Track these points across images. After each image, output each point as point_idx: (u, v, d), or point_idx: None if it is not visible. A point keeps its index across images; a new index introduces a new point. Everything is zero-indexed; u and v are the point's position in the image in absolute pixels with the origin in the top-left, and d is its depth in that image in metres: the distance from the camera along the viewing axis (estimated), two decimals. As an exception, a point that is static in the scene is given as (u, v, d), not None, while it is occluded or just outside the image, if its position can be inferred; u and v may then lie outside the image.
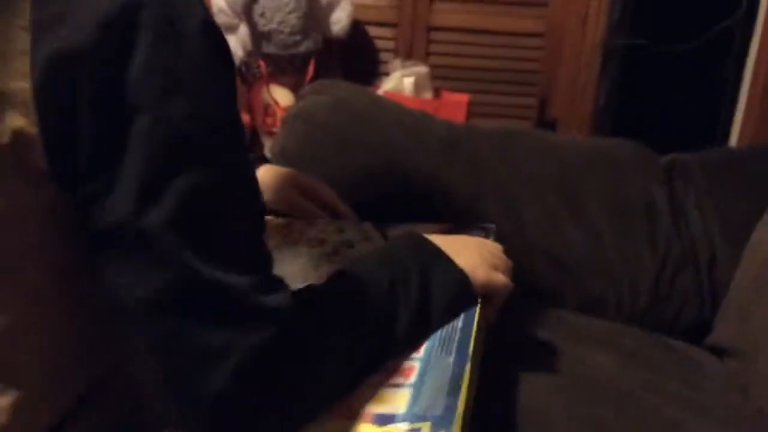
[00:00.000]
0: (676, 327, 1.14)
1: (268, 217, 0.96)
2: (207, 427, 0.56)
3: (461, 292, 0.72)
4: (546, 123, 2.25)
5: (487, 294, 0.74)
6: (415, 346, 0.68)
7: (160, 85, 0.53)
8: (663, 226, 1.16)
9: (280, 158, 1.19)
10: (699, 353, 1.06)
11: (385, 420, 0.61)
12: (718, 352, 1.05)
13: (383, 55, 2.29)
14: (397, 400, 0.63)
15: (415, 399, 0.62)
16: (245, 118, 2.12)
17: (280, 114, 2.03)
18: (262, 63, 2.04)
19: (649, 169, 1.20)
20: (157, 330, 0.55)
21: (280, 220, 0.97)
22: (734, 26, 1.98)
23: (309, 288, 0.64)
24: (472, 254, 0.75)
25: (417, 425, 0.59)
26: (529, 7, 2.20)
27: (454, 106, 2.14)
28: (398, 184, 1.16)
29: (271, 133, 2.04)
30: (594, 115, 2.20)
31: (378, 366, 0.66)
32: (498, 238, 0.91)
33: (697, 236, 1.16)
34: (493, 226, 0.96)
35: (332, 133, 1.19)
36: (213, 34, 0.56)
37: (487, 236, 0.91)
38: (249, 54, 2.05)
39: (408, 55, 2.24)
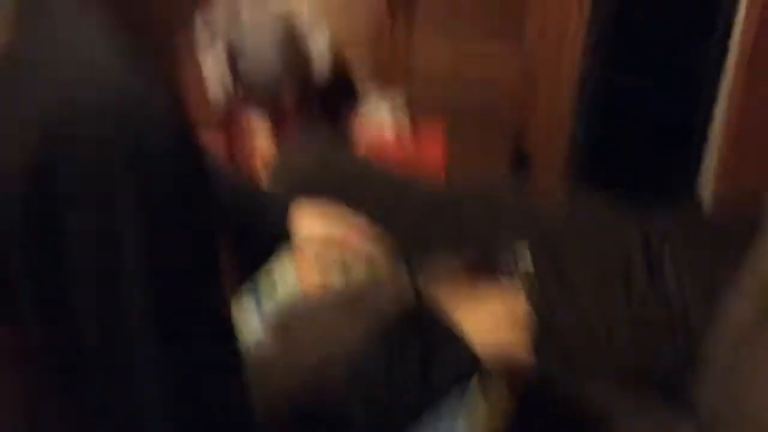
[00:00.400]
0: (651, 379, 1.18)
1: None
2: None
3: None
4: (520, 158, 2.28)
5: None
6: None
7: None
8: (638, 280, 1.20)
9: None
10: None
11: None
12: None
13: (362, 86, 2.31)
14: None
15: None
16: (228, 161, 2.13)
17: (262, 161, 2.05)
18: (243, 106, 2.06)
19: (624, 223, 1.24)
20: None
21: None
22: (707, 53, 2.00)
23: None
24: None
25: None
26: (505, 37, 2.23)
27: (431, 134, 2.18)
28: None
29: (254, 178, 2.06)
30: (570, 148, 2.23)
31: None
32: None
33: (670, 291, 1.20)
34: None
35: (316, 192, 1.21)
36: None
37: (513, 272, 0.92)
38: (230, 97, 2.06)
39: (386, 84, 2.26)
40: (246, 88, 2.02)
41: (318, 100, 2.18)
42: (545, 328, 1.17)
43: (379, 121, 2.17)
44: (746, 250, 1.11)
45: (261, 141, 2.05)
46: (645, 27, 2.08)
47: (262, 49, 1.98)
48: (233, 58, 1.97)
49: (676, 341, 1.19)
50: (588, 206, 1.27)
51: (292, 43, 2.03)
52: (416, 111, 2.23)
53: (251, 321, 0.94)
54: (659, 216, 1.26)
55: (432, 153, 2.15)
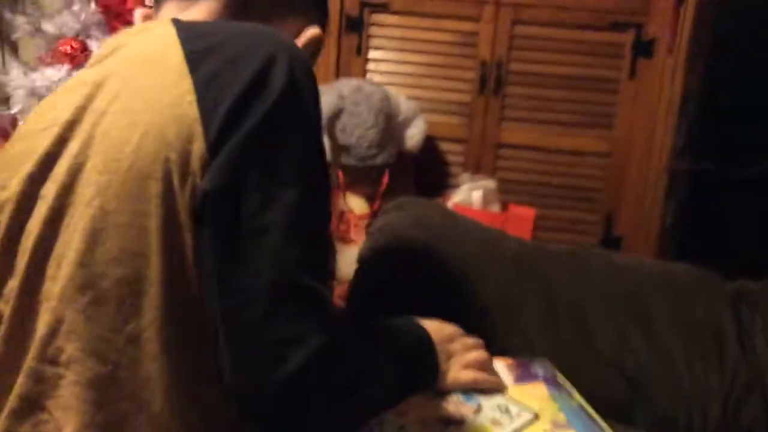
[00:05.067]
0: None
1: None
2: (269, 409, 0.66)
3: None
4: (611, 240, 2.30)
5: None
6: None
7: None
8: (730, 351, 1.19)
9: (362, 267, 1.28)
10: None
11: None
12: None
13: (453, 169, 2.39)
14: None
15: None
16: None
17: (354, 222, 2.13)
18: (340, 174, 2.17)
19: (716, 294, 1.24)
20: (249, 316, 0.65)
21: None
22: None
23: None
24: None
25: None
26: (595, 128, 2.30)
27: (521, 219, 2.21)
28: (472, 298, 1.23)
29: (344, 239, 2.14)
30: (660, 235, 2.24)
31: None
32: (554, 374, 0.99)
33: (763, 363, 1.18)
34: (548, 361, 1.01)
35: (412, 247, 1.28)
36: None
37: (546, 373, 0.99)
38: (328, 165, 2.18)
39: (477, 169, 2.34)
40: (341, 150, 2.13)
41: (410, 175, 2.28)
42: (635, 387, 1.18)
43: (471, 206, 2.23)
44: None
45: (354, 203, 2.15)
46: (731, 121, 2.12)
47: (361, 112, 2.10)
48: (331, 118, 2.09)
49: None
50: (679, 273, 1.28)
51: (390, 117, 2.14)
52: (506, 196, 2.29)
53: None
54: (749, 287, 1.26)
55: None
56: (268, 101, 0.69)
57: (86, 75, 0.79)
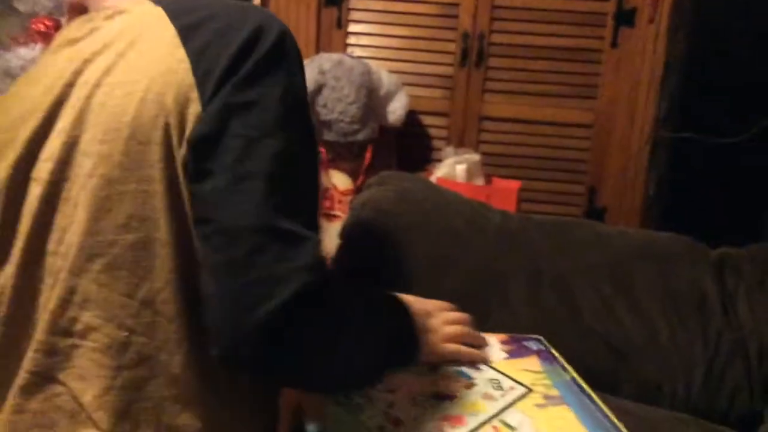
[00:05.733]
0: (728, 417, 1.17)
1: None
2: (251, 351, 0.66)
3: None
4: (595, 211, 2.30)
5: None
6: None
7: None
8: (714, 317, 1.20)
9: (346, 242, 1.27)
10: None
11: None
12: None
13: (436, 143, 2.38)
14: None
15: None
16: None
17: (337, 198, 2.12)
18: (322, 150, 2.15)
19: (699, 261, 1.25)
20: (233, 256, 0.66)
21: None
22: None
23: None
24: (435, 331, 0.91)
25: None
26: (577, 99, 2.29)
27: (505, 192, 2.21)
28: (457, 271, 1.23)
29: (328, 216, 2.13)
30: (643, 205, 2.25)
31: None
32: (548, 349, 0.99)
33: (747, 329, 1.19)
34: (541, 338, 1.03)
35: (396, 222, 1.27)
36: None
37: (539, 347, 1.00)
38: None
39: (460, 143, 2.33)
40: (323, 126, 2.11)
41: (393, 150, 2.27)
42: (620, 357, 1.19)
43: (454, 179, 2.22)
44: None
45: (337, 179, 2.14)
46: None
47: (342, 87, 2.08)
48: (313, 94, 2.07)
49: (752, 381, 1.18)
50: (661, 242, 1.29)
51: (372, 91, 2.12)
52: (490, 169, 2.29)
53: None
54: (732, 253, 1.27)
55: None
56: (254, 58, 0.72)
57: (63, 55, 0.79)
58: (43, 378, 0.73)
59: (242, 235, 0.67)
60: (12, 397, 0.73)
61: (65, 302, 0.72)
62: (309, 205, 0.75)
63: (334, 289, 0.74)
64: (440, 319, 0.93)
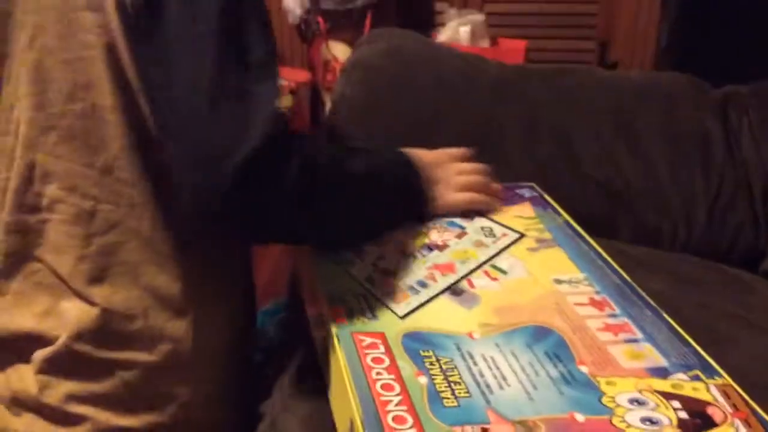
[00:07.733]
0: (730, 256, 1.15)
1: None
2: (220, 205, 0.65)
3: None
4: (606, 66, 2.24)
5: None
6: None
7: None
8: (717, 155, 1.16)
9: (339, 107, 1.24)
10: (753, 278, 1.07)
11: (661, 373, 0.68)
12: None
13: (438, 6, 2.30)
14: (649, 353, 0.71)
15: (663, 351, 0.71)
16: (306, 74, 2.18)
17: (338, 69, 2.08)
18: (320, 20, 2.09)
19: (703, 99, 1.20)
20: (191, 112, 0.65)
21: None
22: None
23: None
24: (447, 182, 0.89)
25: (692, 373, 0.68)
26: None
27: (512, 52, 2.15)
28: (448, 125, 1.20)
29: (331, 89, 2.09)
30: (656, 56, 2.18)
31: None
32: (541, 195, 0.98)
33: (751, 166, 1.16)
34: (534, 185, 1.01)
35: (387, 78, 1.23)
36: None
37: (532, 194, 0.99)
38: (307, 11, 2.10)
39: (463, 3, 2.25)
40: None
41: (394, 15, 2.20)
42: (618, 199, 1.17)
43: (459, 42, 2.16)
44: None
45: (338, 50, 2.09)
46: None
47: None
48: None
49: (757, 219, 1.16)
50: (664, 82, 1.24)
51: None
52: (495, 30, 2.22)
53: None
54: (737, 90, 1.22)
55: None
56: None
57: None
58: (20, 258, 0.74)
59: (197, 94, 0.65)
60: None
61: (27, 179, 0.73)
62: (263, 56, 0.71)
63: (313, 143, 0.74)
64: (452, 169, 0.91)
